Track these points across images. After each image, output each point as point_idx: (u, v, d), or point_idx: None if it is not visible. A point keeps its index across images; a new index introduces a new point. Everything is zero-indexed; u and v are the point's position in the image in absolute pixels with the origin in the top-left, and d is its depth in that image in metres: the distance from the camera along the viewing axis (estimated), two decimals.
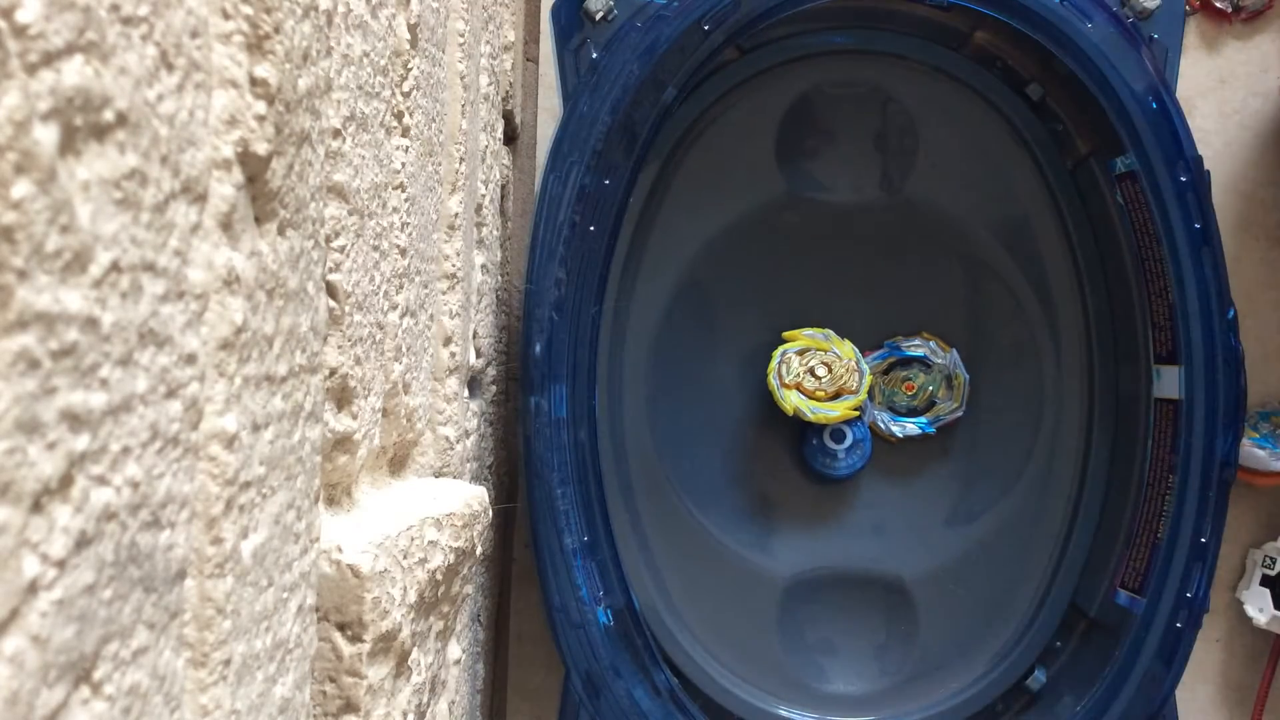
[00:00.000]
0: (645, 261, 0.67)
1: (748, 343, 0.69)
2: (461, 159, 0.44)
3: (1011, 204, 0.69)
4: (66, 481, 0.14)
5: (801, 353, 0.66)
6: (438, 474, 0.42)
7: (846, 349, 0.66)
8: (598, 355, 0.58)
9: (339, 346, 0.27)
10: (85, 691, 0.15)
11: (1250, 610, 0.76)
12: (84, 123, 0.14)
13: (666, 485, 0.67)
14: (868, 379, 0.66)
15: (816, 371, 0.65)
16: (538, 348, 0.56)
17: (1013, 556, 0.69)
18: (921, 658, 0.69)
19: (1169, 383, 0.63)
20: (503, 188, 0.65)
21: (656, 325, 0.67)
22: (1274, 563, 0.75)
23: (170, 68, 0.17)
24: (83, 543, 0.15)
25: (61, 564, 0.14)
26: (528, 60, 0.75)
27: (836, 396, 0.65)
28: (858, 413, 0.66)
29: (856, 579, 0.69)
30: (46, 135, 0.13)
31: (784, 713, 0.67)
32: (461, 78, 0.44)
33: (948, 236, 0.69)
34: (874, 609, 0.69)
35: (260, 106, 0.20)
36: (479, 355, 0.54)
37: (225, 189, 0.20)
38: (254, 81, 0.20)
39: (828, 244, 0.69)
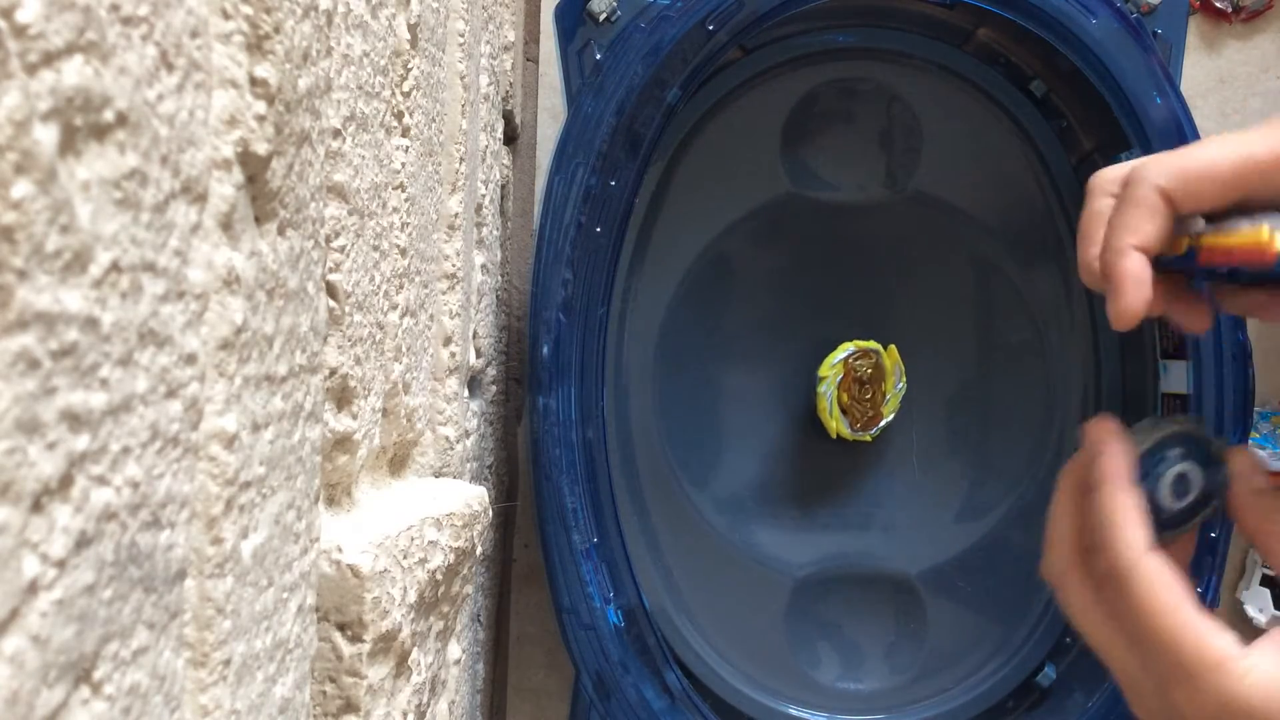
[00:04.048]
0: (651, 261, 0.67)
1: (753, 341, 0.69)
2: (461, 159, 0.44)
3: (1016, 201, 0.69)
4: (66, 481, 0.14)
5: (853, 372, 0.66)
6: (438, 474, 0.42)
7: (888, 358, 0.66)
8: (605, 355, 0.58)
9: (339, 346, 0.27)
10: (85, 691, 0.15)
11: (1250, 610, 0.75)
12: (84, 123, 0.14)
13: (674, 484, 0.67)
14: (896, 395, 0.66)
15: (859, 377, 0.65)
16: (545, 349, 0.56)
17: (1022, 553, 0.69)
18: (931, 655, 0.68)
19: (1176, 377, 0.63)
20: (503, 188, 0.65)
21: (662, 324, 0.67)
22: None
23: (170, 68, 0.17)
24: (83, 543, 0.15)
25: (61, 564, 0.14)
26: (528, 60, 0.75)
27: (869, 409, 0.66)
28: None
29: (866, 577, 0.69)
30: (46, 135, 0.13)
31: (794, 712, 0.67)
32: (461, 78, 0.44)
33: (953, 234, 0.69)
34: (884, 607, 0.69)
35: (260, 106, 0.20)
36: (479, 355, 0.54)
37: (225, 189, 0.20)
38: (254, 81, 0.20)
39: (832, 242, 0.69)
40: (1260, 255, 0.36)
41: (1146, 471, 0.41)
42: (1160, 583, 0.37)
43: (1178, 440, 0.41)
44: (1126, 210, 0.37)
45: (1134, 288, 0.37)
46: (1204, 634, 0.36)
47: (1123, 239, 0.37)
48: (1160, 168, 0.37)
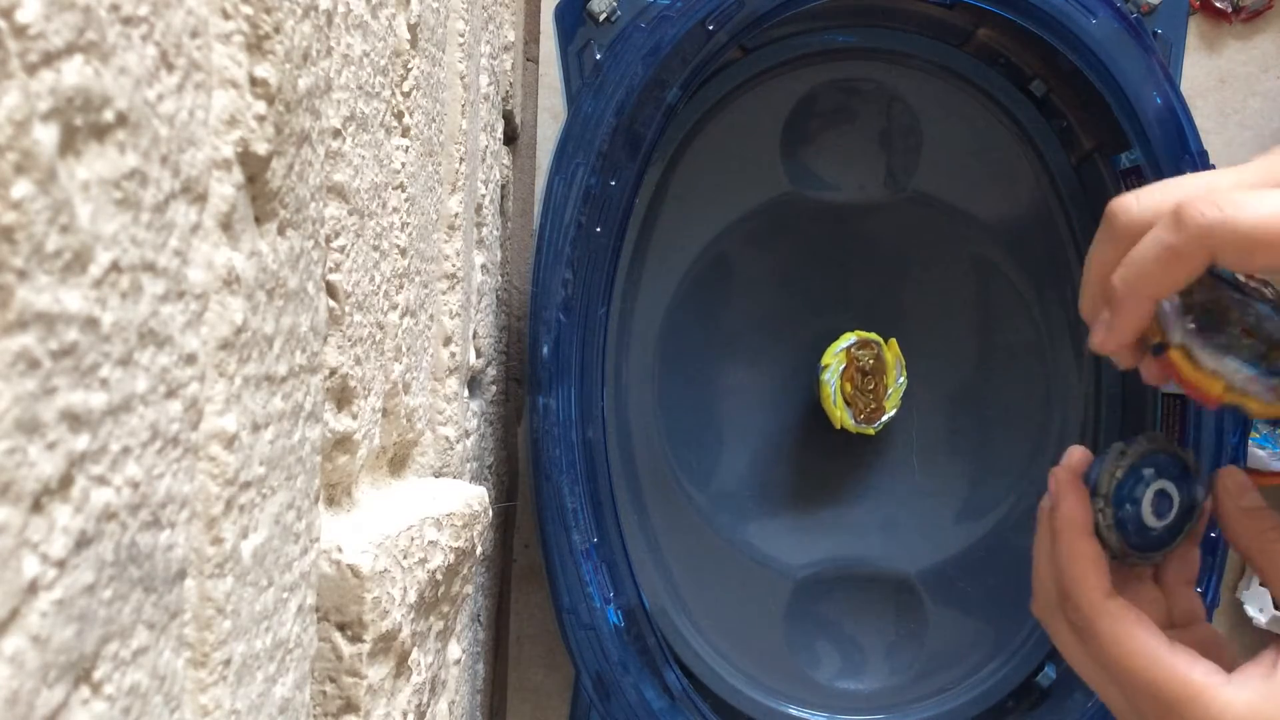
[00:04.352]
0: (651, 261, 0.67)
1: (753, 340, 0.69)
2: (461, 159, 0.44)
3: (1016, 201, 0.69)
4: (66, 481, 0.14)
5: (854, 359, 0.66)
6: (438, 474, 0.42)
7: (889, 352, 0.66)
8: (605, 355, 0.58)
9: (339, 346, 0.27)
10: (85, 691, 0.15)
11: (1250, 610, 0.75)
12: (84, 123, 0.14)
13: (674, 484, 0.67)
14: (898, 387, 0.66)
15: (861, 369, 0.65)
16: (545, 349, 0.56)
17: (1021, 553, 0.69)
18: (931, 655, 0.68)
19: None
20: (503, 188, 0.65)
21: (662, 324, 0.67)
22: None
23: (170, 68, 0.17)
24: (83, 543, 0.15)
25: (61, 564, 0.14)
26: (528, 60, 0.75)
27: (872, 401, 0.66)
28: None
29: (866, 577, 0.69)
30: (46, 135, 0.13)
31: (794, 712, 0.67)
32: (461, 78, 0.44)
33: (953, 234, 0.69)
34: (884, 606, 0.69)
35: (260, 106, 0.20)
36: (479, 355, 0.54)
37: (225, 189, 0.20)
38: (254, 81, 0.20)
39: (832, 242, 0.69)
40: (1204, 398, 0.37)
41: (1125, 497, 0.41)
42: (1124, 626, 0.38)
43: (1149, 460, 0.42)
44: (1167, 261, 0.35)
45: (1131, 334, 0.37)
46: (1181, 668, 0.36)
47: (1146, 289, 0.35)
48: (1216, 223, 0.33)
